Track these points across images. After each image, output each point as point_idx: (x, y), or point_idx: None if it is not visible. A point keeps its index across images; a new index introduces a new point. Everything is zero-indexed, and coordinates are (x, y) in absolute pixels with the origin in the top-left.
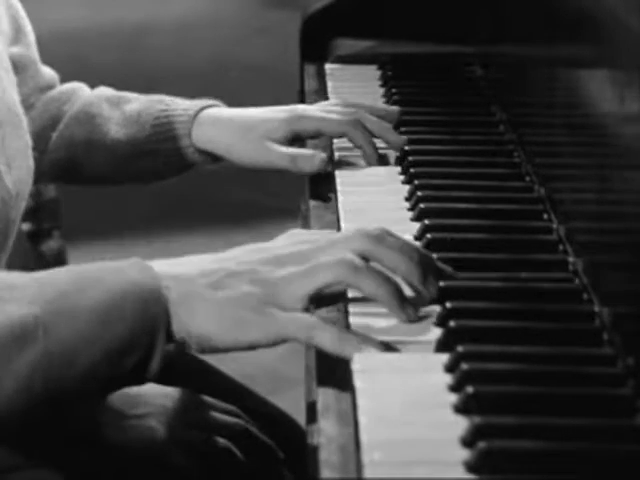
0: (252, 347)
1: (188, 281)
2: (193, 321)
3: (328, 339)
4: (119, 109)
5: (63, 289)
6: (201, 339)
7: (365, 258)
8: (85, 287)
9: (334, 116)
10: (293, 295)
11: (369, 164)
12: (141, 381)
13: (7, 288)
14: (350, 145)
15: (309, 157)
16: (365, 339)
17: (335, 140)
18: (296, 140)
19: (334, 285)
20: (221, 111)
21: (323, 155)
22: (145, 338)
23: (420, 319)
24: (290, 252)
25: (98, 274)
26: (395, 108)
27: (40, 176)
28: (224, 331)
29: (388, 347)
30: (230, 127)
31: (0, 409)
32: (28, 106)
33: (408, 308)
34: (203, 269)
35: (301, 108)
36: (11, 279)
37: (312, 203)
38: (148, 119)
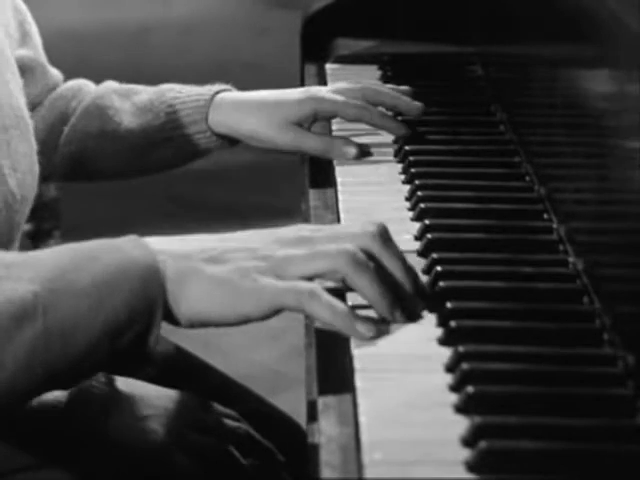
0: (243, 320)
1: (185, 256)
2: (185, 295)
3: (321, 308)
4: (129, 100)
5: (61, 267)
6: (190, 312)
7: (369, 256)
8: (83, 264)
9: (349, 100)
10: (291, 273)
11: (400, 135)
12: (139, 356)
13: (5, 267)
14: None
15: (343, 143)
16: (359, 317)
17: (334, 134)
18: (306, 122)
19: (332, 274)
20: (237, 94)
21: (356, 142)
22: (143, 314)
23: (420, 319)
24: (295, 236)
25: (95, 251)
26: (418, 103)
27: (49, 176)
28: (217, 302)
29: (381, 331)
30: (249, 109)
31: (2, 387)
32: (36, 105)
33: (397, 312)
34: (202, 246)
35: (315, 89)
36: (9, 258)
37: (312, 203)
38: (162, 107)
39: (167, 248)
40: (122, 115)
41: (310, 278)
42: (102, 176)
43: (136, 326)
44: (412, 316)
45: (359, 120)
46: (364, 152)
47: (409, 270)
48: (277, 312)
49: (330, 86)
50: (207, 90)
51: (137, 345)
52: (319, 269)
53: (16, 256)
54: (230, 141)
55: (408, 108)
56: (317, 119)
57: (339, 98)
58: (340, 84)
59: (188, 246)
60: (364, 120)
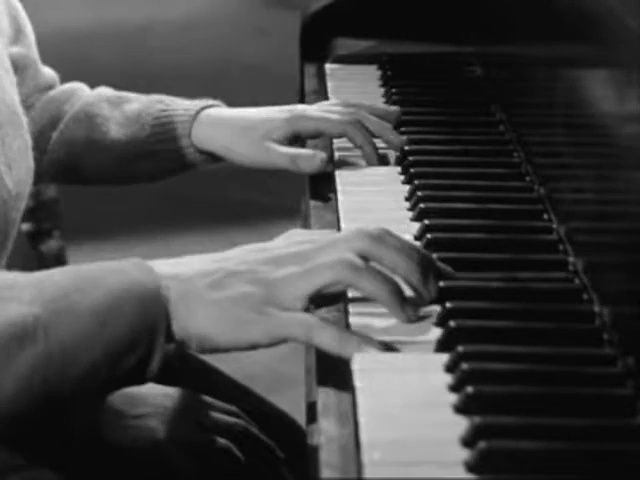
0: (252, 347)
1: (188, 281)
2: (193, 321)
3: (328, 339)
4: (119, 109)
5: (63, 289)
6: (201, 339)
7: (365, 258)
8: (85, 287)
9: (334, 116)
10: (293, 295)
11: (369, 164)
12: (141, 381)
13: (7, 288)
14: (350, 145)
15: (309, 157)
16: (365, 339)
17: (335, 140)
18: (296, 140)
19: (334, 285)
20: (221, 111)
21: (323, 155)
22: (145, 338)
23: (420, 319)
24: (290, 252)
25: (98, 274)
26: (395, 108)
27: (40, 176)
28: (224, 331)
29: (388, 347)
30: (230, 127)
31: (1, 409)
32: (28, 106)
33: (408, 308)
34: (203, 269)
35: (301, 108)
36: (11, 279)
37: (312, 203)
38: (148, 119)
39: (170, 272)
40: (110, 124)
41: (313, 294)
42: (90, 182)
43: (138, 350)
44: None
45: (344, 136)
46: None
47: (413, 258)
48: (284, 341)
49: (318, 105)
50: (194, 105)
51: (139, 369)
52: (320, 284)
53: (18, 276)
54: (214, 157)
55: (393, 141)
56: (303, 137)
57: (325, 116)
58: (332, 101)
59: (190, 270)
60: (347, 137)
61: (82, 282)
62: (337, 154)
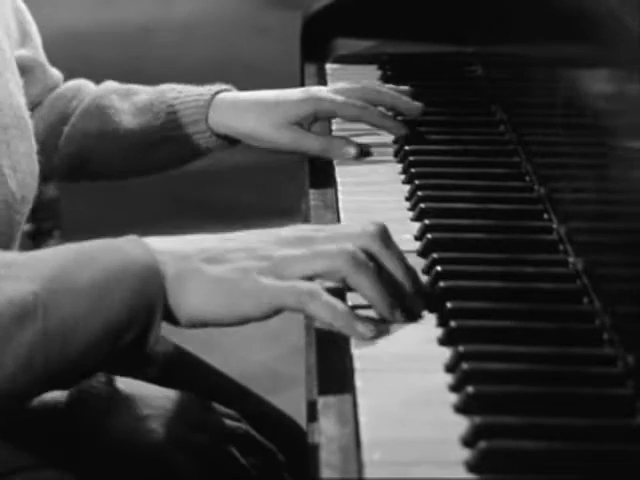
0: (243, 321)
1: (185, 257)
2: (185, 295)
3: (321, 308)
4: (129, 100)
5: (61, 266)
6: (191, 312)
7: (369, 256)
8: (83, 264)
9: (348, 99)
10: (290, 273)
11: (399, 134)
12: (139, 357)
13: (5, 266)
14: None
15: (343, 143)
16: (360, 319)
17: (333, 134)
18: (314, 121)
19: (332, 274)
20: (236, 94)
21: (356, 142)
22: (143, 313)
23: (420, 319)
24: (295, 235)
25: (96, 251)
26: (418, 103)
27: (48, 176)
28: (217, 303)
29: (380, 332)
30: (252, 109)
31: (2, 386)
32: (36, 104)
33: (397, 312)
34: (202, 246)
35: (315, 89)
36: (9, 258)
37: (312, 203)
38: (162, 107)
39: (167, 248)
40: (122, 115)
41: (310, 278)
42: (102, 176)
43: (136, 326)
44: (412, 316)
45: (358, 120)
46: (364, 152)
47: (409, 270)
48: (277, 312)
49: (330, 86)
50: (207, 90)
51: (137, 345)
52: (319, 269)
53: (16, 256)
54: (230, 141)
55: (408, 108)
56: (317, 119)
57: (339, 98)
58: (340, 84)
59: (188, 246)
60: (363, 120)
61: (80, 259)
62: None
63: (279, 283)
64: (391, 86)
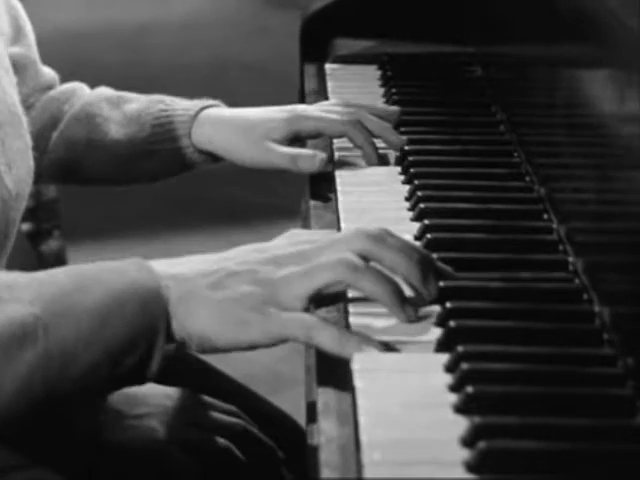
0: (252, 347)
1: (188, 281)
2: (193, 321)
3: (328, 339)
4: (119, 109)
5: (63, 289)
6: (201, 339)
7: (365, 258)
8: (85, 287)
9: (334, 116)
10: (293, 295)
11: (369, 164)
12: (141, 381)
13: (7, 288)
14: (350, 145)
15: (309, 157)
16: (365, 339)
17: (335, 140)
18: (296, 140)
19: (334, 285)
20: (221, 111)
21: (323, 155)
22: (145, 338)
23: (420, 319)
24: (290, 252)
25: (98, 274)
26: (395, 108)
27: (40, 176)
28: (224, 331)
29: (388, 347)
30: (230, 127)
31: (2, 408)
32: (28, 106)
33: (408, 308)
34: (203, 269)
35: (301, 108)
36: (11, 279)
37: (312, 203)
38: (148, 119)
39: (170, 271)
40: (110, 124)
41: (313, 294)
42: (90, 183)
43: (138, 349)
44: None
45: (344, 137)
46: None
47: (413, 258)
48: (284, 342)
49: (318, 105)
50: (194, 105)
51: (139, 369)
52: (319, 284)
53: (18, 276)
54: (214, 157)
55: (393, 141)
56: (303, 138)
57: (325, 116)
58: (332, 101)
59: (190, 270)
60: (347, 137)
61: (82, 282)
62: (337, 154)
63: (286, 315)
64: (383, 108)
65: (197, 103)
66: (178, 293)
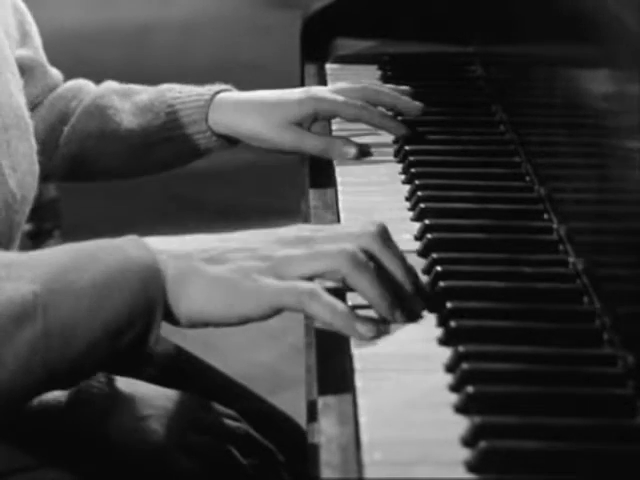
0: (243, 320)
1: (185, 257)
2: (185, 295)
3: (321, 308)
4: (129, 100)
5: (61, 267)
6: (191, 312)
7: (369, 257)
8: (83, 264)
9: (349, 99)
10: (290, 274)
11: (398, 135)
12: (139, 356)
13: (5, 266)
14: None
15: (343, 143)
16: (360, 317)
17: (334, 134)
18: (313, 121)
19: (332, 274)
20: (236, 94)
21: (356, 143)
22: (143, 313)
23: (420, 319)
24: (295, 235)
25: (96, 251)
26: (417, 103)
27: (51, 173)
28: (216, 303)
29: (380, 329)
30: (249, 109)
31: (1, 387)
32: (36, 105)
33: (397, 313)
34: (203, 246)
35: (315, 89)
36: (9, 258)
37: (312, 203)
38: (162, 107)
39: (167, 248)
40: (122, 115)
41: (310, 278)
42: (102, 176)
43: (136, 326)
44: (412, 316)
45: (359, 120)
46: (364, 152)
47: (409, 270)
48: (277, 312)
49: (330, 86)
50: (207, 90)
51: (137, 345)
52: (319, 269)
53: (16, 256)
54: (230, 141)
55: (408, 108)
56: (317, 119)
57: (339, 98)
58: (340, 84)
59: (188, 246)
60: (364, 120)
61: (80, 260)
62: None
63: (279, 283)
64: (391, 86)
65: (211, 88)
66: (175, 269)
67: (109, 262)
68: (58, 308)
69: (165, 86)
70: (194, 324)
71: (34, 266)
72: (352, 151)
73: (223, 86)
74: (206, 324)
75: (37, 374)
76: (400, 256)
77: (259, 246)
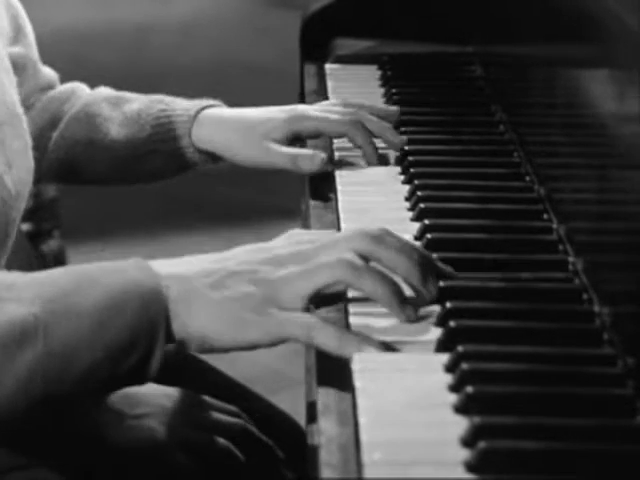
0: (252, 347)
1: (188, 281)
2: (192, 321)
3: (328, 339)
4: (119, 109)
5: (63, 289)
6: (201, 339)
7: (365, 258)
8: (85, 287)
9: (334, 116)
10: (293, 295)
11: (369, 164)
12: (141, 381)
13: (7, 288)
14: (350, 145)
15: (309, 157)
16: (365, 339)
17: (335, 140)
18: (296, 140)
19: (334, 285)
20: (221, 111)
21: (323, 155)
22: (145, 338)
23: (420, 319)
24: (290, 252)
25: (98, 274)
26: (395, 108)
27: (40, 176)
28: (224, 331)
29: (388, 347)
30: (230, 127)
31: (1, 408)
32: (28, 106)
33: (408, 308)
34: (203, 269)
35: (301, 108)
36: (11, 279)
37: (312, 203)
38: (148, 119)
39: (170, 271)
40: (110, 124)
41: (314, 294)
42: (90, 182)
43: (138, 349)
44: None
45: (344, 137)
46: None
47: (413, 258)
48: (284, 341)
49: (318, 105)
50: (194, 105)
51: (139, 368)
52: (320, 283)
53: (18, 277)
54: (214, 157)
55: (393, 142)
56: (303, 137)
57: (324, 116)
58: (332, 101)
59: (190, 269)
60: (347, 137)
61: (82, 282)
62: (337, 154)
63: (286, 315)
64: (383, 107)
65: (197, 103)
66: (178, 293)
67: (111, 284)
68: (59, 330)
69: (156, 97)
70: (204, 350)
71: (35, 287)
72: (317, 164)
73: (211, 101)
74: (216, 350)
75: (37, 396)
76: (400, 249)
77: (257, 268)
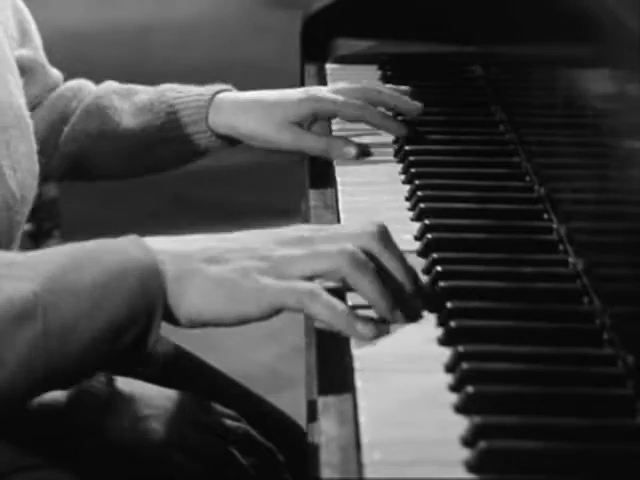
0: (243, 320)
1: (185, 256)
2: (185, 295)
3: (321, 308)
4: (129, 100)
5: (62, 267)
6: (190, 312)
7: (368, 257)
8: (83, 264)
9: (349, 99)
10: (290, 273)
11: (398, 135)
12: (139, 357)
13: (5, 266)
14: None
15: (343, 143)
16: (360, 318)
17: (334, 127)
18: (313, 121)
19: (332, 274)
20: (237, 94)
21: (356, 142)
22: (143, 313)
23: (420, 319)
24: (295, 235)
25: (96, 251)
26: (417, 103)
27: (51, 173)
28: (214, 303)
29: (381, 330)
30: (252, 109)
31: (2, 387)
32: (36, 105)
33: (396, 313)
34: (202, 246)
35: (315, 89)
36: (10, 257)
37: (312, 203)
38: (162, 107)
39: (167, 248)
40: (122, 115)
41: (310, 278)
42: (102, 176)
43: (136, 326)
44: (412, 316)
45: (359, 120)
46: (364, 152)
47: (409, 270)
48: (277, 312)
49: (330, 86)
50: (207, 90)
51: (137, 345)
52: (319, 269)
53: (17, 255)
54: (230, 141)
55: (408, 108)
56: (317, 119)
57: (339, 98)
58: (340, 84)
59: (188, 246)
60: (364, 120)
61: (80, 259)
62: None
63: (279, 283)
64: (391, 86)
65: (210, 88)
66: (174, 269)
67: (109, 262)
68: (58, 308)
69: (165, 86)
70: (193, 324)
71: (34, 266)
72: (352, 151)
73: (223, 86)
74: (205, 324)
75: (37, 373)
76: (400, 256)
77: (259, 246)
